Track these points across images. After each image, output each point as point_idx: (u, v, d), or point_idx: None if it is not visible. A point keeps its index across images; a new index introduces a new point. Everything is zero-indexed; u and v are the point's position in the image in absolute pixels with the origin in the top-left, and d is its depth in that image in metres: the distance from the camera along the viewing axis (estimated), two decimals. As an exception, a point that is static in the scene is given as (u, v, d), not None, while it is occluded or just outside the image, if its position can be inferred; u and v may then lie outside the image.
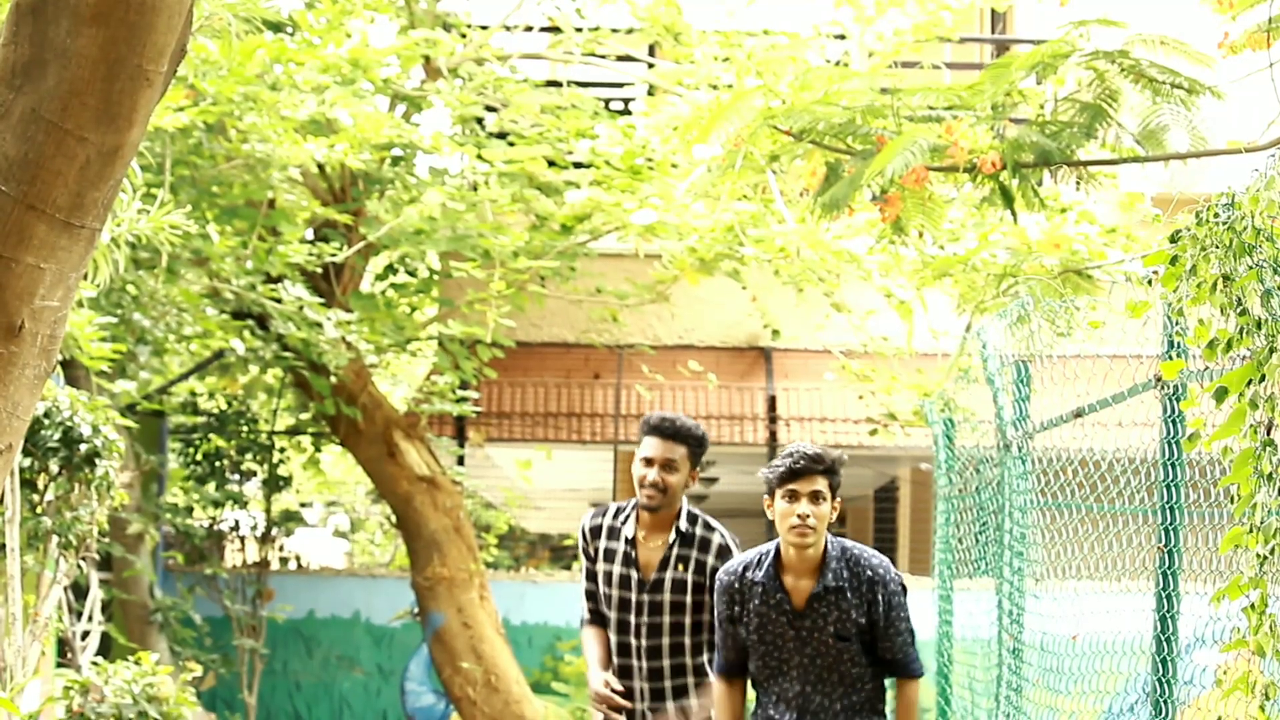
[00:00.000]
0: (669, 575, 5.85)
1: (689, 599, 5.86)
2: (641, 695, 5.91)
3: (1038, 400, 7.05)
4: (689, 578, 5.86)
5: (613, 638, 5.95)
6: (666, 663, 5.89)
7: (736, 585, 5.46)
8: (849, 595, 5.36)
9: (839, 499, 5.39)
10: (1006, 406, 7.33)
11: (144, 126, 3.47)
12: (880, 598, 5.39)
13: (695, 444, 5.84)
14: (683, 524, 5.90)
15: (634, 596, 5.87)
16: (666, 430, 5.82)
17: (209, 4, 6.84)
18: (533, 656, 13.24)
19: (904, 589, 5.47)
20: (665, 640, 5.88)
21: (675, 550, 5.86)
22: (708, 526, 5.92)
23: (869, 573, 5.39)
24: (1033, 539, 6.96)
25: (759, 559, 5.47)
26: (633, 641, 5.90)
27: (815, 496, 5.31)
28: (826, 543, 5.40)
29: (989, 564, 7.68)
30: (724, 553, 5.84)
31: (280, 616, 13.45)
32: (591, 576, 5.99)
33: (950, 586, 8.77)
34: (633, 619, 5.89)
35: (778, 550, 5.43)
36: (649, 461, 5.81)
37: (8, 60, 3.37)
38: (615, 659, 5.94)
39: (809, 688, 5.41)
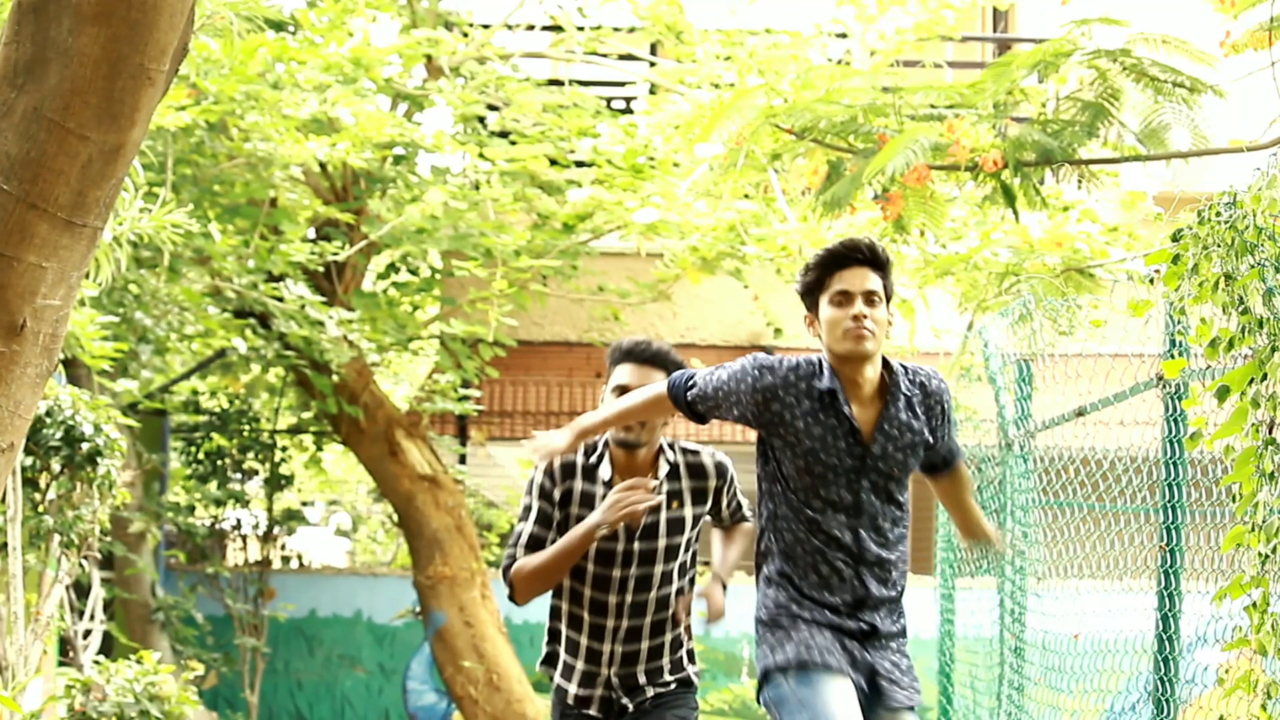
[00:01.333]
0: (663, 517, 4.98)
1: (684, 538, 5.01)
2: (611, 659, 5.02)
3: (1039, 399, 7.05)
4: (687, 513, 5.02)
5: (585, 594, 5.00)
6: (649, 620, 5.02)
7: (789, 379, 4.42)
8: (920, 413, 4.45)
9: (894, 311, 4.48)
10: (1008, 405, 7.33)
11: (146, 125, 3.47)
12: (944, 408, 4.52)
13: (674, 370, 4.96)
14: (669, 456, 5.04)
15: (620, 547, 4.94)
16: (643, 355, 4.97)
17: (211, 3, 6.84)
18: (534, 655, 13.18)
19: None
20: (652, 594, 4.99)
21: (665, 487, 4.99)
22: (688, 451, 5.07)
23: (934, 383, 4.49)
24: (1035, 538, 6.96)
25: (813, 368, 4.43)
26: (612, 599, 4.97)
27: (870, 298, 4.35)
28: (885, 359, 4.45)
29: (991, 563, 7.68)
30: (722, 469, 5.08)
31: (282, 615, 13.45)
32: (550, 524, 4.95)
33: (952, 585, 8.77)
34: (616, 573, 4.95)
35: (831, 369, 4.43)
36: (623, 391, 4.91)
37: (10, 59, 3.37)
38: (587, 617, 5.02)
39: (863, 530, 4.41)
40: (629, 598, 4.98)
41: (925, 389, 4.46)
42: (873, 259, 4.37)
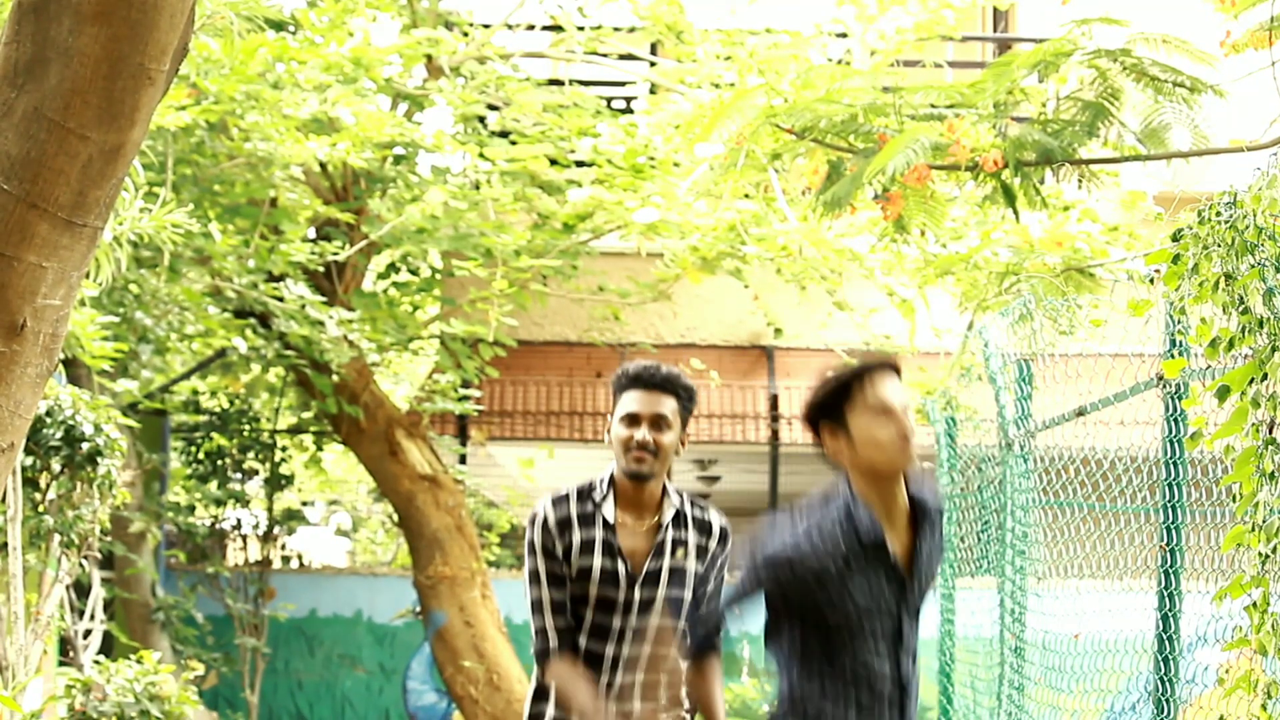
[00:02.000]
0: (665, 564, 4.63)
1: (685, 594, 4.65)
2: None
3: (1040, 399, 7.05)
4: (689, 566, 4.66)
5: (581, 643, 4.63)
6: (640, 678, 4.66)
7: (824, 561, 3.92)
8: (938, 527, 4.08)
9: None
10: (1008, 405, 7.33)
11: (146, 125, 3.47)
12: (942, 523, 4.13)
13: (686, 396, 4.66)
14: (673, 500, 4.69)
15: (620, 595, 4.60)
16: (652, 380, 4.62)
17: (211, 2, 6.84)
18: (535, 655, 13.23)
19: None
20: (648, 649, 4.64)
21: (669, 533, 4.65)
22: (698, 505, 4.75)
23: (939, 499, 4.11)
24: (1035, 538, 6.96)
25: (842, 521, 3.95)
26: (608, 650, 4.61)
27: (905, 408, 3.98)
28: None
29: (991, 562, 7.68)
30: (725, 534, 4.74)
31: (282, 615, 13.46)
32: (564, 583, 4.59)
33: (952, 585, 8.77)
34: (616, 622, 4.61)
35: (850, 496, 3.97)
36: (634, 419, 4.59)
37: (10, 59, 3.37)
38: (583, 669, 4.62)
39: (902, 654, 4.06)
40: (625, 650, 4.63)
41: (937, 505, 4.09)
42: (898, 369, 4.02)
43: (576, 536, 4.58)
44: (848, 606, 3.94)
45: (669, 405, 4.61)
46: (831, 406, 3.96)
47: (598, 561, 4.60)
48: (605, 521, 4.60)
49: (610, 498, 4.62)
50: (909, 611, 4.04)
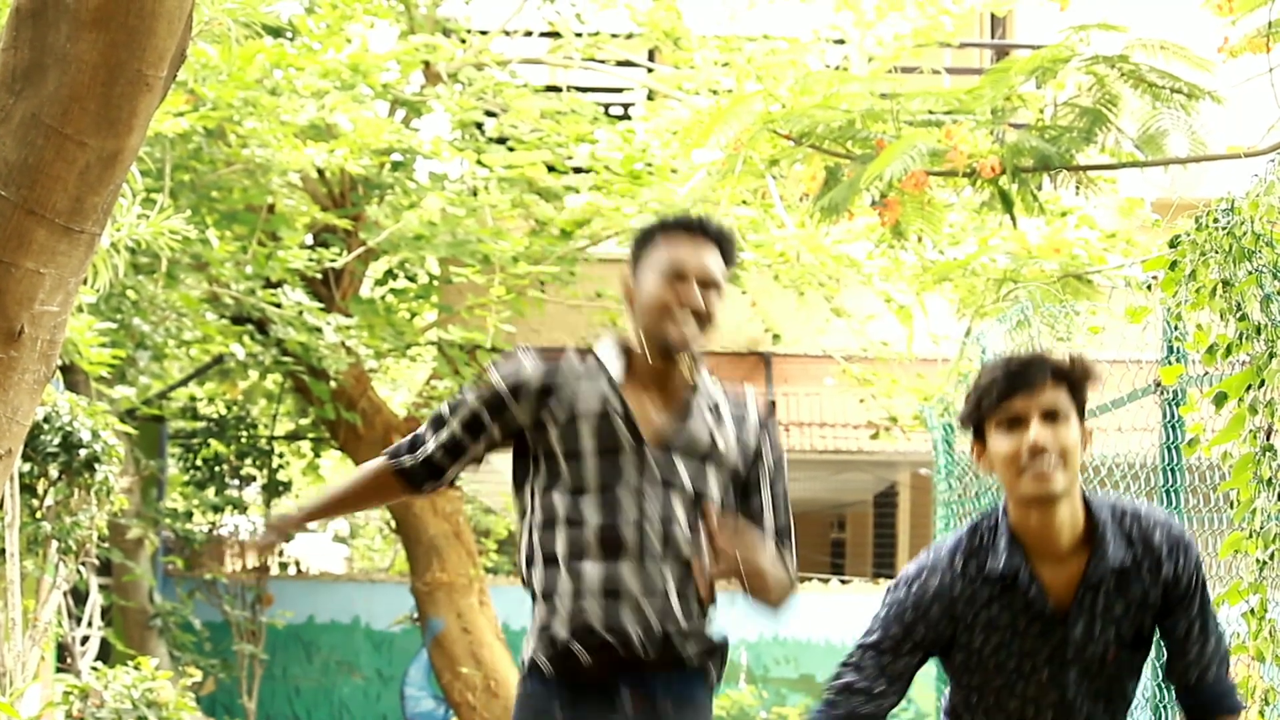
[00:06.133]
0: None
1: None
2: None
3: (1037, 405, 7.03)
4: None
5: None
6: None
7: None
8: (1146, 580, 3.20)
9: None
10: (1006, 411, 7.30)
11: (144, 131, 3.47)
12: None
13: (730, 249, 3.84)
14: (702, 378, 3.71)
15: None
16: (704, 228, 3.75)
17: (209, 9, 6.84)
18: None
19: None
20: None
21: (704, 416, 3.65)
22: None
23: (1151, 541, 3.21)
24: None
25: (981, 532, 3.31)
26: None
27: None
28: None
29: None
30: (773, 408, 3.87)
31: (280, 622, 13.45)
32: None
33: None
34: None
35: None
36: (681, 275, 3.67)
37: (7, 65, 3.37)
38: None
39: None
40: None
41: (1141, 556, 3.24)
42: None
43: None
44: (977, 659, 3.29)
45: (719, 266, 3.96)
46: (973, 416, 3.29)
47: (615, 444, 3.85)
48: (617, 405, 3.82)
49: (618, 368, 3.86)
50: (1077, 683, 3.24)
